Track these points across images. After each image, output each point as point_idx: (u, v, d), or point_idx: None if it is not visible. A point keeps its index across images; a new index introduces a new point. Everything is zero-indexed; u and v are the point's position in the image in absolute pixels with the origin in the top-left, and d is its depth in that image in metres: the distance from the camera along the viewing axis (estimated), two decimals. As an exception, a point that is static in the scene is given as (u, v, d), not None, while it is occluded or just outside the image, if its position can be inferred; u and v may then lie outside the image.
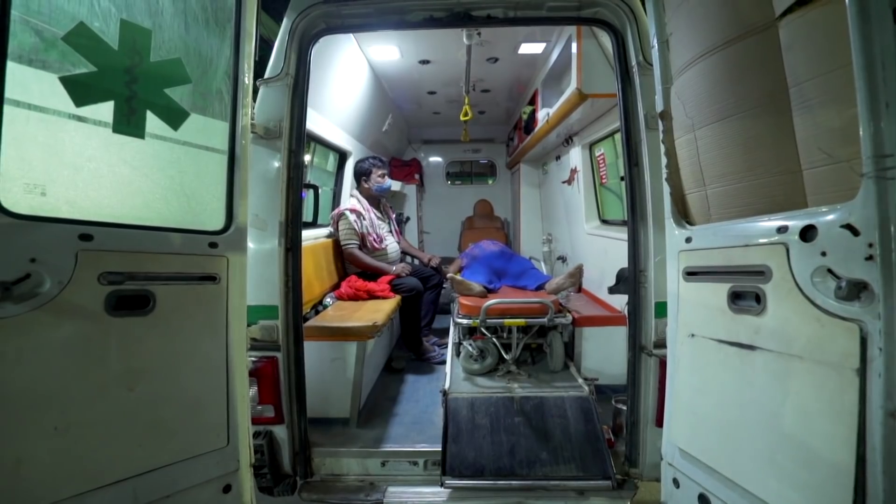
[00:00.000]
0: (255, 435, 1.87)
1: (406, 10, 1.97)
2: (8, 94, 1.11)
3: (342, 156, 3.77)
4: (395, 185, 4.99)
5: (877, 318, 0.89)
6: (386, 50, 3.13)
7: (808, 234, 1.04)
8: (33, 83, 1.19)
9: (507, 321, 2.46)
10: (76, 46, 1.25)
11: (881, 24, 0.88)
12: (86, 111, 1.28)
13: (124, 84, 1.35)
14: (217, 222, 1.55)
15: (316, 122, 2.89)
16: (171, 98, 1.46)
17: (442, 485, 1.84)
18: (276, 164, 1.90)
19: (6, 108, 1.11)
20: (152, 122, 1.42)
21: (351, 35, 2.80)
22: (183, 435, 1.43)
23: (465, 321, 2.53)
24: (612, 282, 2.30)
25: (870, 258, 0.89)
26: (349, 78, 3.16)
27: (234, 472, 1.54)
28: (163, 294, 1.37)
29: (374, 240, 3.29)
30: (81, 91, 1.27)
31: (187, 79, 1.49)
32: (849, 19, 0.91)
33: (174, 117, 1.47)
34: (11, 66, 1.12)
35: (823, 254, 0.99)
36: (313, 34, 2.00)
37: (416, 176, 5.54)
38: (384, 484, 1.96)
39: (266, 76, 1.95)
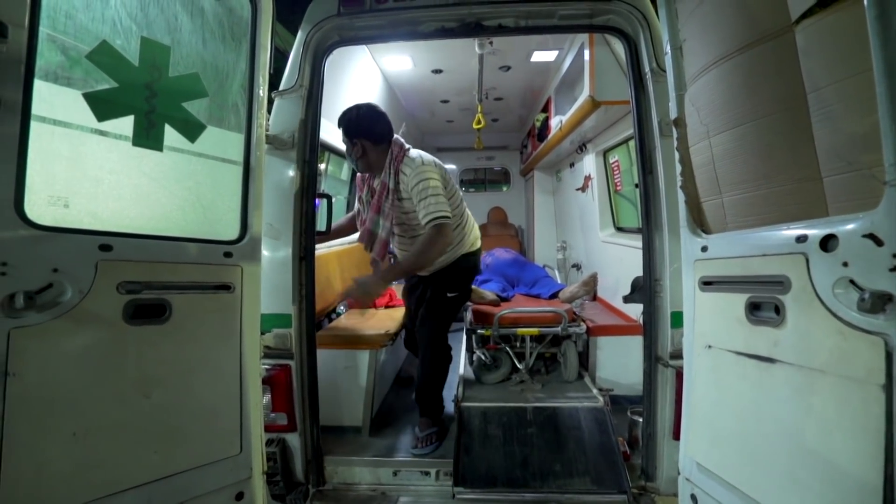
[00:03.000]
0: (268, 442, 1.89)
1: (418, 21, 1.99)
2: (35, 110, 1.16)
3: (356, 165, 3.82)
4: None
5: (903, 331, 0.85)
6: (399, 60, 3.17)
7: (828, 243, 1.00)
8: (58, 99, 1.23)
9: (521, 330, 2.44)
10: (99, 64, 1.30)
11: (902, 27, 0.85)
12: (107, 125, 1.32)
13: (144, 99, 1.39)
14: (232, 232, 1.58)
15: (330, 132, 2.93)
16: (188, 111, 1.49)
17: (454, 496, 1.82)
18: (291, 174, 1.93)
19: (33, 124, 1.16)
20: (170, 135, 1.45)
21: (364, 46, 2.84)
22: (197, 442, 1.44)
23: (478, 330, 2.51)
24: (628, 290, 2.27)
25: (894, 269, 0.86)
26: (363, 88, 3.20)
27: (247, 479, 1.55)
28: (179, 303, 1.39)
29: None
30: (103, 106, 1.31)
31: (204, 92, 1.53)
32: (868, 23, 0.89)
33: (191, 130, 1.50)
34: (38, 84, 1.17)
35: (845, 264, 0.96)
36: (327, 46, 2.04)
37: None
38: (396, 494, 1.95)
39: (281, 88, 1.99)
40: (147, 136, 1.40)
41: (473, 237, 2.33)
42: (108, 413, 1.26)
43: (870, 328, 0.91)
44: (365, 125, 2.10)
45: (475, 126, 3.41)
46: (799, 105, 1.15)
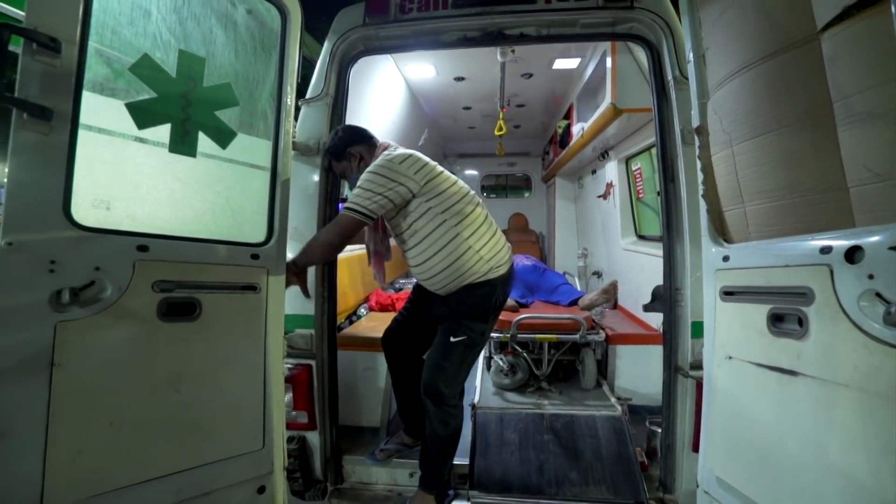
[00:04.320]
0: (289, 440, 1.94)
1: (441, 31, 2.03)
2: (82, 119, 1.24)
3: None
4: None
5: (930, 346, 0.83)
6: (422, 68, 3.22)
7: (854, 255, 0.99)
8: (103, 109, 1.32)
9: (539, 337, 2.44)
10: (140, 76, 1.38)
11: (930, 36, 0.84)
12: (146, 133, 1.40)
13: (180, 108, 1.47)
14: (259, 235, 1.64)
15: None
16: (220, 120, 1.57)
17: (468, 500, 1.83)
18: (315, 180, 2.00)
19: (80, 132, 1.24)
20: (203, 142, 1.53)
21: (388, 55, 2.90)
22: (222, 436, 1.50)
23: (495, 335, 2.52)
24: (649, 299, 2.24)
25: (921, 282, 0.84)
26: (386, 95, 3.27)
27: (269, 474, 1.60)
28: (208, 302, 1.46)
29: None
30: (143, 115, 1.39)
31: (236, 101, 1.60)
32: None
33: (223, 137, 1.58)
34: (86, 95, 1.25)
35: (871, 276, 0.94)
36: (352, 56, 2.10)
37: (452, 189, 5.61)
38: (412, 495, 1.97)
39: (307, 96, 2.06)
40: (182, 143, 1.48)
41: (491, 259, 1.83)
42: (142, 405, 1.33)
43: (895, 342, 0.89)
44: (351, 133, 1.96)
45: (497, 132, 3.43)
46: (824, 114, 1.14)
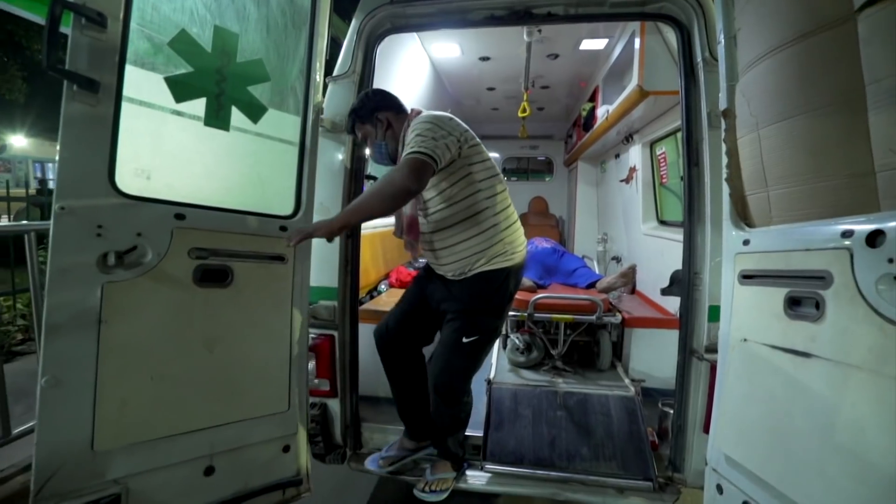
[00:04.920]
0: (311, 406, 2.03)
1: (468, 9, 2.03)
2: (125, 92, 1.31)
3: (401, 150, 3.93)
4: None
5: (944, 329, 0.84)
6: (447, 47, 3.21)
7: (876, 239, 0.99)
8: (143, 82, 1.38)
9: (555, 317, 2.47)
10: (178, 50, 1.44)
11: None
12: (183, 107, 1.47)
13: (215, 83, 1.53)
14: (287, 208, 1.71)
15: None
16: (252, 95, 1.62)
17: (482, 468, 1.91)
18: (341, 157, 2.04)
19: (123, 105, 1.31)
20: (236, 116, 1.59)
21: (414, 34, 2.90)
22: (251, 396, 1.60)
23: (513, 314, 2.57)
24: (667, 284, 2.25)
25: (940, 266, 0.85)
26: (411, 74, 3.27)
27: (293, 434, 1.70)
28: (239, 270, 1.54)
29: None
30: (180, 89, 1.45)
31: (267, 77, 1.65)
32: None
33: (254, 112, 1.63)
34: (129, 69, 1.32)
35: (891, 260, 0.95)
36: (379, 34, 2.11)
37: (472, 171, 5.61)
38: (426, 462, 2.06)
39: (334, 74, 2.09)
40: (216, 117, 1.54)
41: (510, 244, 1.77)
42: (179, 363, 1.42)
43: (911, 325, 0.90)
44: (381, 98, 1.87)
45: (520, 114, 3.41)
46: (857, 98, 1.12)
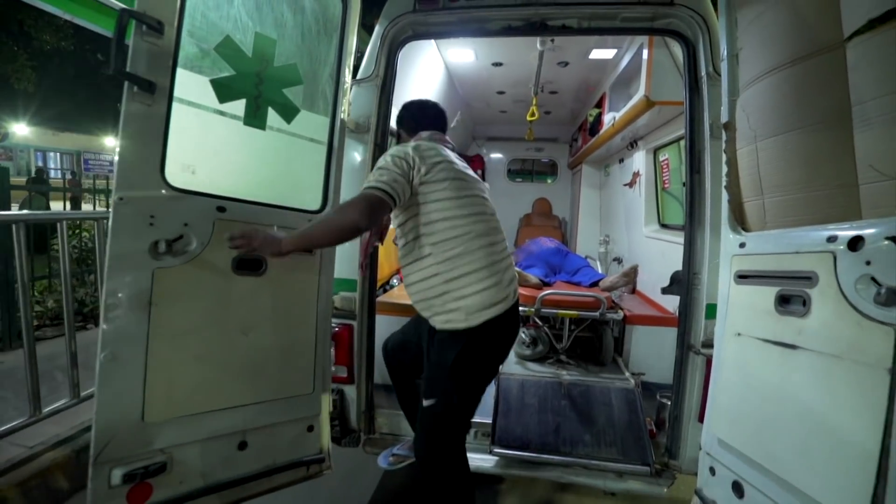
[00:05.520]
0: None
1: (486, 19, 2.14)
2: (176, 93, 1.43)
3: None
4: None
5: (912, 323, 0.97)
6: (462, 53, 3.32)
7: (857, 244, 1.11)
8: (191, 84, 1.50)
9: (561, 312, 2.60)
10: (223, 55, 1.55)
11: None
12: (225, 107, 1.58)
13: (254, 85, 1.65)
14: (315, 203, 1.83)
15: (395, 117, 3.16)
16: (287, 97, 1.74)
17: (490, 452, 2.03)
18: (363, 156, 2.16)
19: (173, 105, 1.42)
20: (272, 116, 1.71)
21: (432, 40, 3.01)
22: (280, 378, 1.71)
23: (520, 308, 2.69)
24: (667, 284, 2.37)
25: (910, 268, 0.97)
26: (427, 77, 3.39)
27: (317, 415, 1.82)
28: (272, 260, 1.65)
29: None
30: (224, 91, 1.57)
31: (300, 80, 1.77)
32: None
33: (288, 113, 1.75)
34: (180, 72, 1.43)
35: (868, 263, 1.07)
36: (401, 40, 2.23)
37: (479, 172, 5.73)
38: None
39: (358, 77, 2.21)
40: (254, 117, 1.66)
41: (461, 300, 1.52)
42: (218, 344, 1.54)
43: (884, 319, 1.03)
44: (407, 113, 1.90)
45: (529, 118, 3.52)
46: (843, 117, 1.25)
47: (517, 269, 3.00)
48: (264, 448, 1.66)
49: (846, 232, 1.14)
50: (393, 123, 2.13)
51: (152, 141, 1.39)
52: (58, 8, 3.10)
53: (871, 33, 1.16)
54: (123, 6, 1.30)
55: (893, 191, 1.10)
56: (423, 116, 1.86)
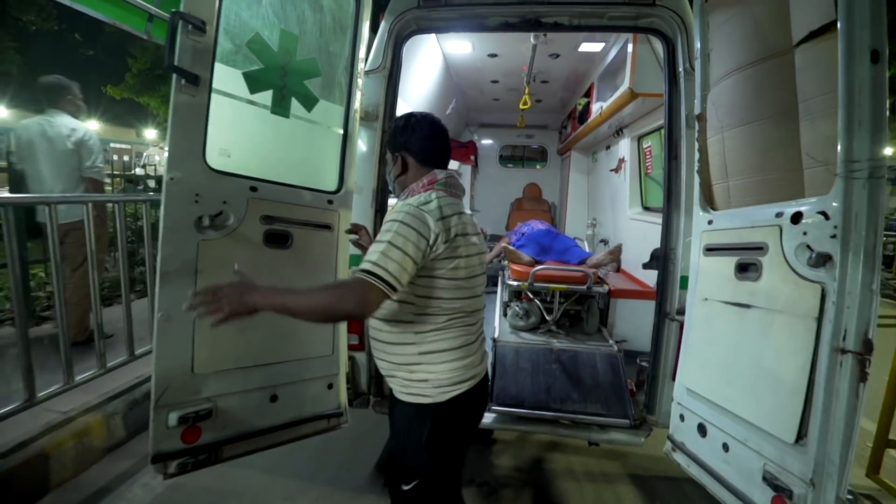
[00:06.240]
0: (343, 357, 2.36)
1: (485, 16, 2.32)
2: (215, 85, 1.60)
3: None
4: (453, 165, 5.40)
5: (834, 279, 1.22)
6: (460, 44, 3.50)
7: (798, 219, 1.36)
8: (227, 77, 1.67)
9: (552, 286, 2.84)
10: (253, 50, 1.72)
11: (861, 60, 1.17)
12: (256, 97, 1.76)
13: (279, 77, 1.82)
14: (332, 185, 2.01)
15: (399, 106, 3.33)
16: (308, 88, 1.92)
17: (489, 409, 2.28)
18: (372, 141, 2.35)
19: (213, 96, 1.60)
20: (295, 106, 1.88)
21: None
22: (304, 340, 1.92)
23: (514, 283, 2.93)
24: (648, 260, 2.62)
25: (833, 236, 1.22)
26: (426, 67, 3.55)
27: (336, 374, 2.03)
28: (297, 235, 1.85)
29: None
30: (254, 82, 1.75)
31: (319, 72, 1.95)
32: (839, 53, 1.21)
33: (309, 102, 1.93)
34: (218, 66, 1.60)
35: (805, 233, 1.32)
36: (406, 34, 2.40)
37: (472, 157, 5.92)
38: (440, 406, 2.42)
39: (367, 68, 2.38)
40: (280, 106, 1.84)
41: (432, 374, 1.37)
42: (252, 309, 1.74)
43: (813, 278, 1.28)
44: (415, 136, 1.48)
45: (521, 106, 3.72)
46: (792, 112, 1.48)
47: (511, 247, 3.23)
48: (292, 401, 1.88)
49: (790, 209, 1.38)
50: (434, 118, 1.61)
51: (196, 128, 1.56)
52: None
53: (815, 41, 1.39)
54: (174, 9, 1.46)
55: (825, 175, 1.34)
56: (436, 148, 1.51)
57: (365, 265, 1.24)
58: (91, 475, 2.32)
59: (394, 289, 1.23)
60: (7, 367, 2.50)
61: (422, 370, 1.38)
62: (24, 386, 2.19)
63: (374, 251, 1.26)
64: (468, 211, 1.46)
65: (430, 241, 1.28)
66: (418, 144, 1.49)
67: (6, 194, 3.29)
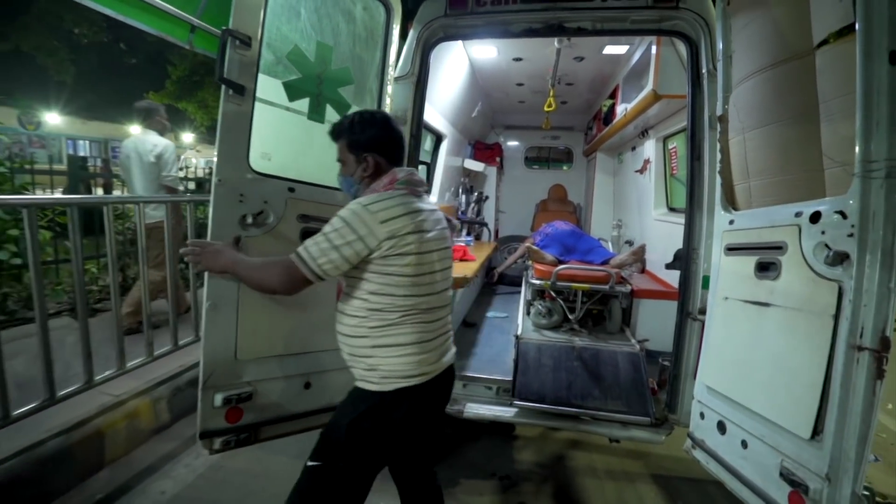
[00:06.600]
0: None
1: (510, 22, 2.40)
2: (258, 94, 1.74)
3: (438, 138, 4.31)
4: (478, 167, 5.48)
5: (851, 278, 1.24)
6: (486, 49, 3.57)
7: (816, 218, 1.38)
8: (269, 87, 1.81)
9: (575, 285, 2.88)
10: (292, 61, 1.86)
11: (879, 61, 1.20)
12: (294, 105, 1.90)
13: (316, 85, 1.95)
14: (363, 186, 2.13)
15: (426, 110, 3.44)
16: (342, 95, 2.04)
17: (511, 404, 2.35)
18: (401, 145, 2.46)
19: (256, 104, 1.74)
20: (329, 112, 2.01)
21: None
22: (328, 332, 2.02)
23: (537, 282, 2.98)
24: (671, 260, 2.64)
25: (851, 235, 1.24)
26: (452, 71, 3.65)
27: (365, 365, 2.14)
28: (330, 233, 1.97)
29: None
30: (292, 91, 1.88)
31: (352, 81, 2.07)
32: (857, 55, 1.23)
33: (343, 108, 2.05)
34: (260, 77, 1.74)
35: (823, 232, 1.34)
36: (434, 41, 2.50)
37: (497, 159, 5.98)
38: (464, 400, 2.50)
39: (396, 75, 2.49)
40: (316, 112, 1.97)
41: (381, 366, 1.38)
42: (288, 302, 1.86)
43: (830, 276, 1.30)
44: (385, 138, 1.50)
45: (546, 109, 3.76)
46: (813, 113, 1.50)
47: (535, 247, 3.28)
48: (323, 389, 2.00)
49: (809, 208, 1.41)
50: (392, 115, 1.81)
51: (241, 134, 1.71)
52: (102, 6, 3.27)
53: (835, 43, 1.41)
54: (224, 26, 1.61)
55: (844, 175, 1.36)
56: (400, 146, 1.55)
57: (300, 250, 1.35)
58: (140, 454, 2.51)
59: (319, 278, 1.35)
60: (66, 353, 2.72)
61: (372, 361, 1.39)
62: (84, 370, 2.39)
63: (312, 241, 1.35)
64: (432, 206, 1.52)
65: (369, 244, 1.30)
66: (385, 144, 1.49)
67: (61, 196, 3.58)
